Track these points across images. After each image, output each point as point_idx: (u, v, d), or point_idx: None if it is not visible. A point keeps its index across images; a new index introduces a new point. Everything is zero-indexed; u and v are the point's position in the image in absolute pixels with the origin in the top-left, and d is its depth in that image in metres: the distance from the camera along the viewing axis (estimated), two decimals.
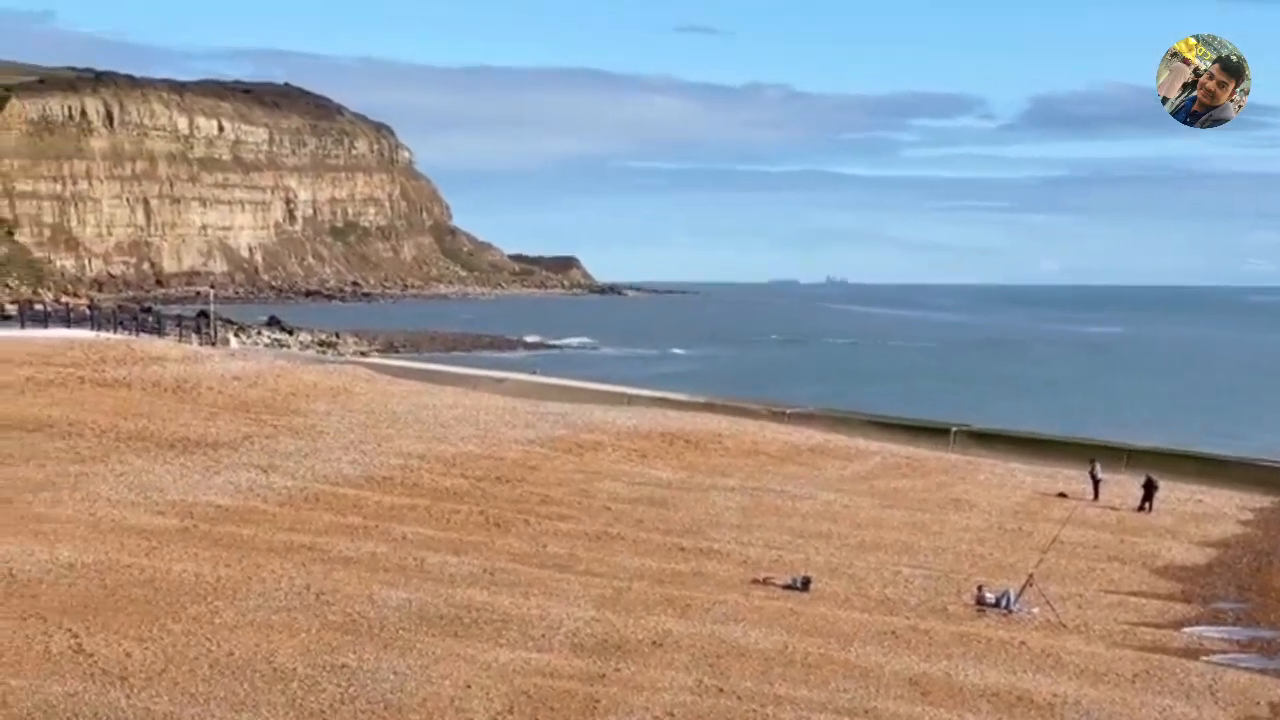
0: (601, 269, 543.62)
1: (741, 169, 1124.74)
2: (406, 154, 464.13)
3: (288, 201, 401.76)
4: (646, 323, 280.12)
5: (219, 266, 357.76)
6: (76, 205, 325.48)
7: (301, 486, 44.58)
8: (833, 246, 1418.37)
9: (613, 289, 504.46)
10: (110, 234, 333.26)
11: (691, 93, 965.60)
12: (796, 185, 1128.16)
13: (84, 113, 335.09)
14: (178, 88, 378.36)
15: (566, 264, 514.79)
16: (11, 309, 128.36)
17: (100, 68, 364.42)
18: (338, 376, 76.00)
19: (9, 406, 56.04)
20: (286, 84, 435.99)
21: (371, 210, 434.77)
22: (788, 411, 77.49)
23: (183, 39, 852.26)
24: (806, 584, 35.74)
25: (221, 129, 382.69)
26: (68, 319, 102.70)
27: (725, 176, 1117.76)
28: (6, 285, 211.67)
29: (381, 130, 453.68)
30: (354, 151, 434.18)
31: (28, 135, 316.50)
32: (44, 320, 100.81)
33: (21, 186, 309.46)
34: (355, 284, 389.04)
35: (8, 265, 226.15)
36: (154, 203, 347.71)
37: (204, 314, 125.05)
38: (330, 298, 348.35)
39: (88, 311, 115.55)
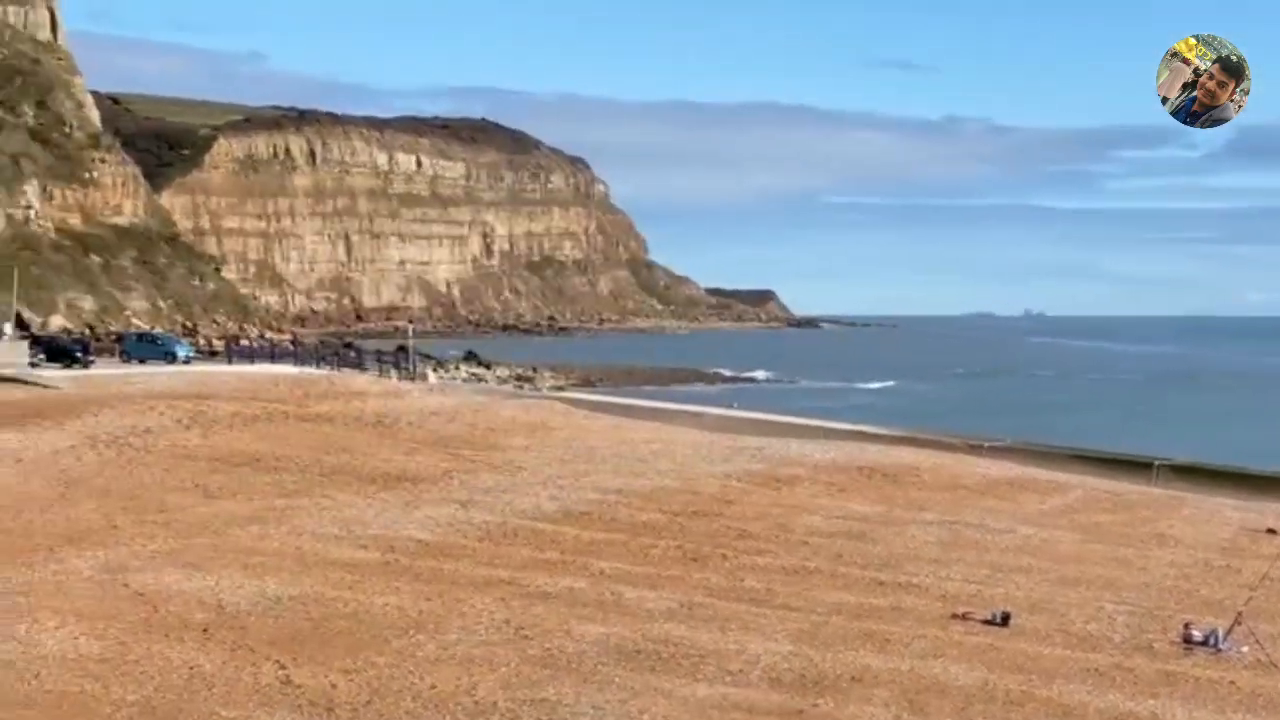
0: (799, 302, 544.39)
1: (941, 203, 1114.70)
2: (602, 188, 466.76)
3: (485, 236, 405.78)
4: (843, 356, 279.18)
5: (417, 301, 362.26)
6: (280, 242, 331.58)
7: (500, 521, 44.99)
8: (1032, 279, 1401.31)
9: (810, 322, 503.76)
10: (312, 270, 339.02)
11: (890, 127, 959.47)
12: (997, 219, 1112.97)
13: (288, 151, 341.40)
14: (378, 124, 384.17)
15: (763, 297, 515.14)
16: (219, 345, 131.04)
17: (304, 106, 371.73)
18: (535, 411, 76.60)
19: (217, 441, 57.23)
20: (484, 119, 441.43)
21: (568, 244, 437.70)
22: (985, 445, 76.93)
23: (385, 77, 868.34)
24: (1006, 619, 35.39)
25: (420, 165, 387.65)
26: (272, 354, 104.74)
27: (925, 211, 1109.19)
28: (214, 321, 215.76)
29: (577, 164, 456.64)
30: (550, 186, 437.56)
31: (234, 174, 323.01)
32: (250, 356, 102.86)
33: (228, 224, 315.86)
34: (552, 318, 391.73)
35: (215, 301, 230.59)
36: (354, 239, 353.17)
37: (403, 349, 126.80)
38: (527, 332, 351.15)
39: (291, 347, 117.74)
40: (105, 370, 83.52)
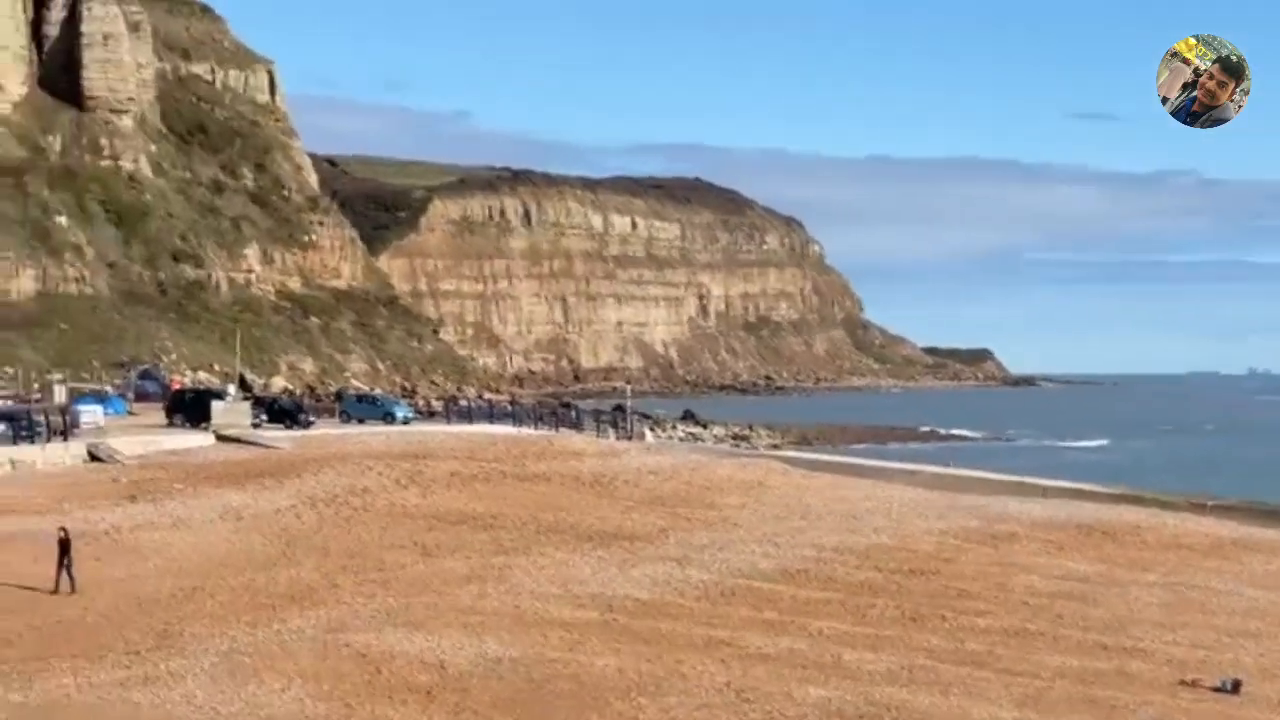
0: (1016, 361, 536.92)
1: (1151, 259, 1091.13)
2: (817, 248, 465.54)
3: (701, 297, 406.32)
4: (1057, 413, 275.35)
5: (634, 362, 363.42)
6: (497, 304, 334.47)
7: (717, 580, 44.86)
8: (1254, 337, 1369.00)
9: (1027, 380, 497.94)
10: (530, 331, 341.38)
11: (1096, 181, 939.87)
12: (1213, 275, 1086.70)
13: (503, 212, 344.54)
14: (591, 185, 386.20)
15: (980, 356, 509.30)
16: (437, 405, 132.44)
17: (515, 165, 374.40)
18: (751, 470, 76.38)
19: (435, 500, 57.84)
20: (697, 179, 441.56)
21: (783, 305, 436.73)
22: (1209, 503, 75.27)
23: (588, 134, 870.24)
24: (1237, 686, 34.55)
25: (635, 226, 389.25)
26: (491, 415, 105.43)
27: (1134, 267, 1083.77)
28: (432, 382, 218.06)
29: (791, 224, 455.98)
30: (765, 246, 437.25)
31: (450, 236, 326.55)
32: (468, 416, 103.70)
33: (445, 286, 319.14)
34: (768, 378, 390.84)
35: (434, 363, 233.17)
36: (571, 300, 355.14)
37: (620, 408, 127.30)
38: (743, 392, 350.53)
39: (509, 407, 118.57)
40: (325, 430, 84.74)
